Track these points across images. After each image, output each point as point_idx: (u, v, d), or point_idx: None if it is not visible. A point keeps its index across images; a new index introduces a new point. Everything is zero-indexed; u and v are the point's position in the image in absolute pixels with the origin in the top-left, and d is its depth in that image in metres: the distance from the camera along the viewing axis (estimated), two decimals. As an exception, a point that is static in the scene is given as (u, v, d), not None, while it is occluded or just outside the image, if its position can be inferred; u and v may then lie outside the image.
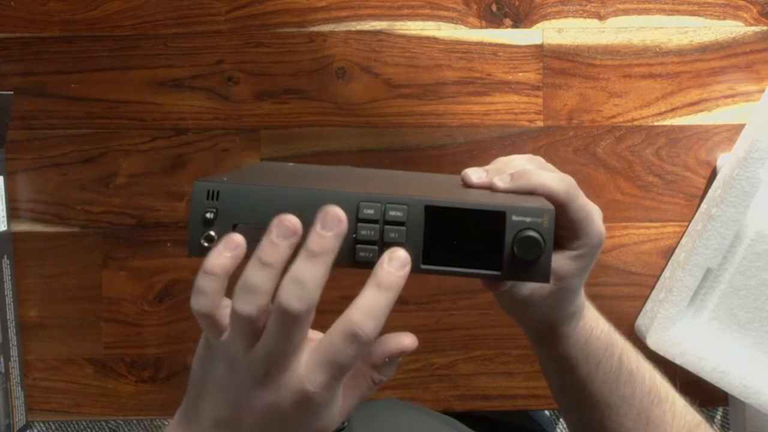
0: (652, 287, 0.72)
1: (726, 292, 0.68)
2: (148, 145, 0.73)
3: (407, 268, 0.35)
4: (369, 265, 0.37)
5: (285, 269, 0.34)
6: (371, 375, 0.37)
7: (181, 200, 0.73)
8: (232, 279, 0.36)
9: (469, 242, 0.39)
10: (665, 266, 0.72)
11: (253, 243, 0.36)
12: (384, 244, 0.37)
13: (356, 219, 0.37)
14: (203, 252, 0.37)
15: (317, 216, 0.35)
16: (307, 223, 0.35)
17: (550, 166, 0.47)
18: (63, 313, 0.73)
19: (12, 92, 0.71)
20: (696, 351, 0.67)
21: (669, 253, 0.72)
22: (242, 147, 0.72)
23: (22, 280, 0.73)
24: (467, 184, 0.45)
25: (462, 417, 0.62)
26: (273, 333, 0.34)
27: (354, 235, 0.37)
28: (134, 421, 1.36)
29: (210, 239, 0.38)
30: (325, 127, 0.72)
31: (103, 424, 1.38)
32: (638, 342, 0.70)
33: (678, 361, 0.67)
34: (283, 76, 0.72)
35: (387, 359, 0.36)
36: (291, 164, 0.56)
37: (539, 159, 0.47)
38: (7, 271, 0.71)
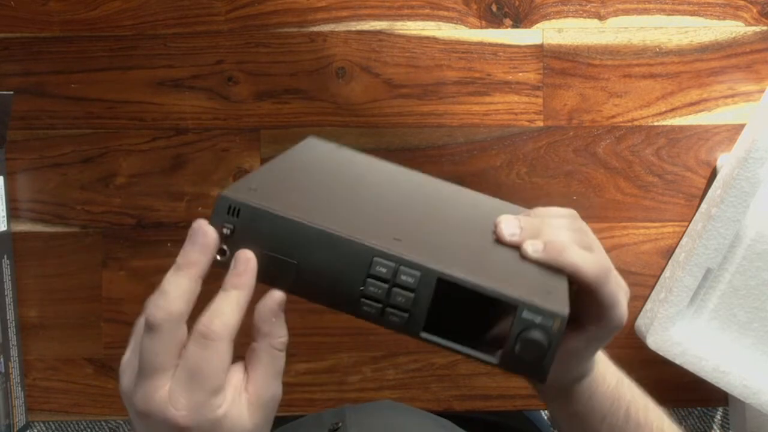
0: (652, 287, 0.72)
1: (726, 292, 0.68)
2: (148, 145, 0.73)
3: (250, 266, 0.37)
4: (369, 318, 0.36)
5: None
6: (269, 343, 0.37)
7: (181, 200, 0.73)
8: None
9: (476, 317, 0.37)
10: (665, 266, 0.72)
11: (261, 270, 0.37)
12: (389, 305, 0.36)
13: (367, 273, 0.36)
14: (214, 264, 0.38)
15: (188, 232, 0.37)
16: (310, 258, 0.36)
17: (590, 235, 0.44)
18: (63, 313, 0.73)
19: (12, 92, 0.71)
20: (696, 351, 0.66)
21: (669, 253, 0.72)
22: (242, 147, 0.72)
23: (22, 280, 0.73)
24: (498, 237, 0.42)
25: (458, 419, 0.61)
26: (141, 347, 0.35)
27: (361, 288, 0.36)
28: (134, 421, 1.36)
29: (222, 253, 0.38)
30: (325, 127, 0.72)
31: (103, 424, 1.38)
32: (638, 343, 0.70)
33: (678, 361, 0.67)
34: (283, 76, 0.72)
35: (273, 319, 0.37)
36: (337, 147, 0.53)
37: (581, 224, 0.44)
38: (7, 271, 0.71)
